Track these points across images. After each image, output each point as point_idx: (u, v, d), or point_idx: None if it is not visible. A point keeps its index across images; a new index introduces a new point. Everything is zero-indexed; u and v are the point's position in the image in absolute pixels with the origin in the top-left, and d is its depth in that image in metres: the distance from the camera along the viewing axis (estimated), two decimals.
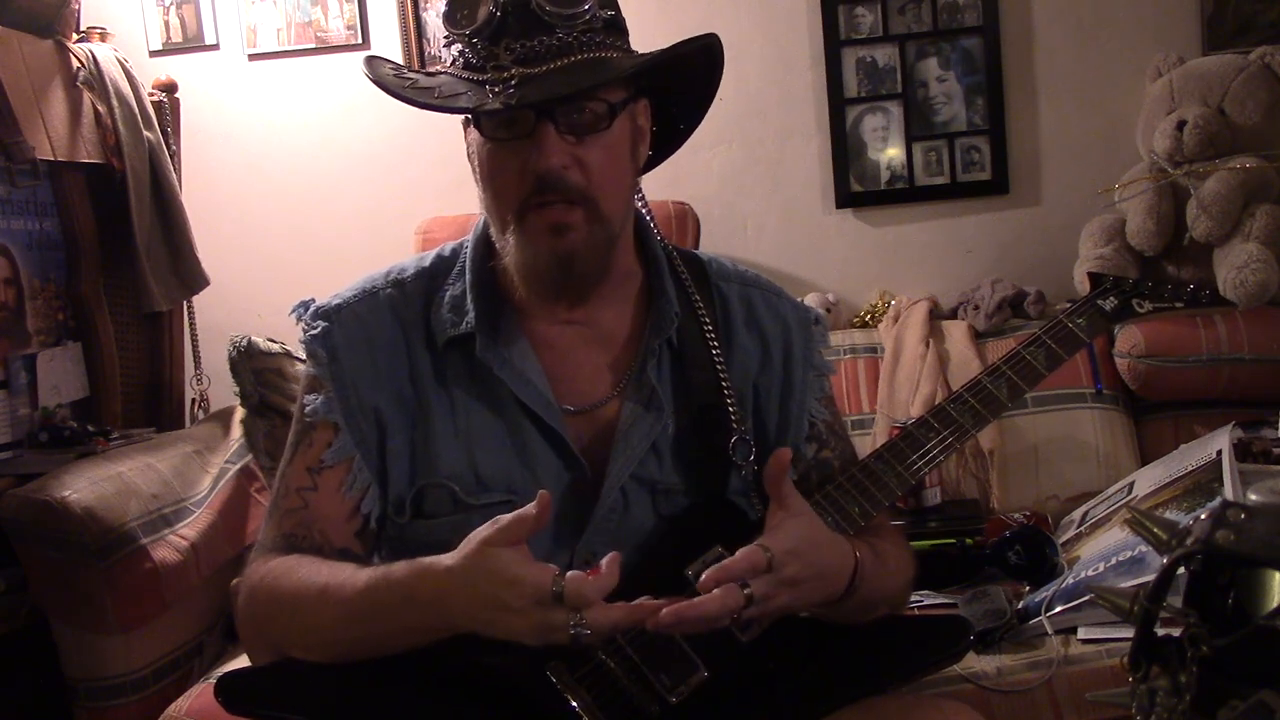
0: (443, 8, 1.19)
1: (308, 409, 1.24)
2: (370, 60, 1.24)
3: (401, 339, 1.25)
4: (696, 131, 1.36)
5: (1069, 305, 1.50)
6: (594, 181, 1.16)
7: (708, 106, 1.32)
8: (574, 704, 1.09)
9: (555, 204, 1.16)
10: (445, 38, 1.19)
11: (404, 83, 1.22)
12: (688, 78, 1.27)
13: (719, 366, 1.27)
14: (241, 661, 1.59)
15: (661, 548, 1.21)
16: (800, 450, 1.31)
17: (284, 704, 1.12)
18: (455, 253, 1.31)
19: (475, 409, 1.23)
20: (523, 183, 1.15)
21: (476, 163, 1.21)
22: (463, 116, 1.23)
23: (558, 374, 1.25)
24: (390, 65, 1.25)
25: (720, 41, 1.24)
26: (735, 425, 1.25)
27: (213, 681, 1.65)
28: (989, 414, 1.33)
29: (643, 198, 1.32)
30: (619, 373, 1.27)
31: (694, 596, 1.11)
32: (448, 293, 1.27)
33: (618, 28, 1.20)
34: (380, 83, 1.21)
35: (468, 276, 1.26)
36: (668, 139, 1.33)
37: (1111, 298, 1.48)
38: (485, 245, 1.28)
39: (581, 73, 1.13)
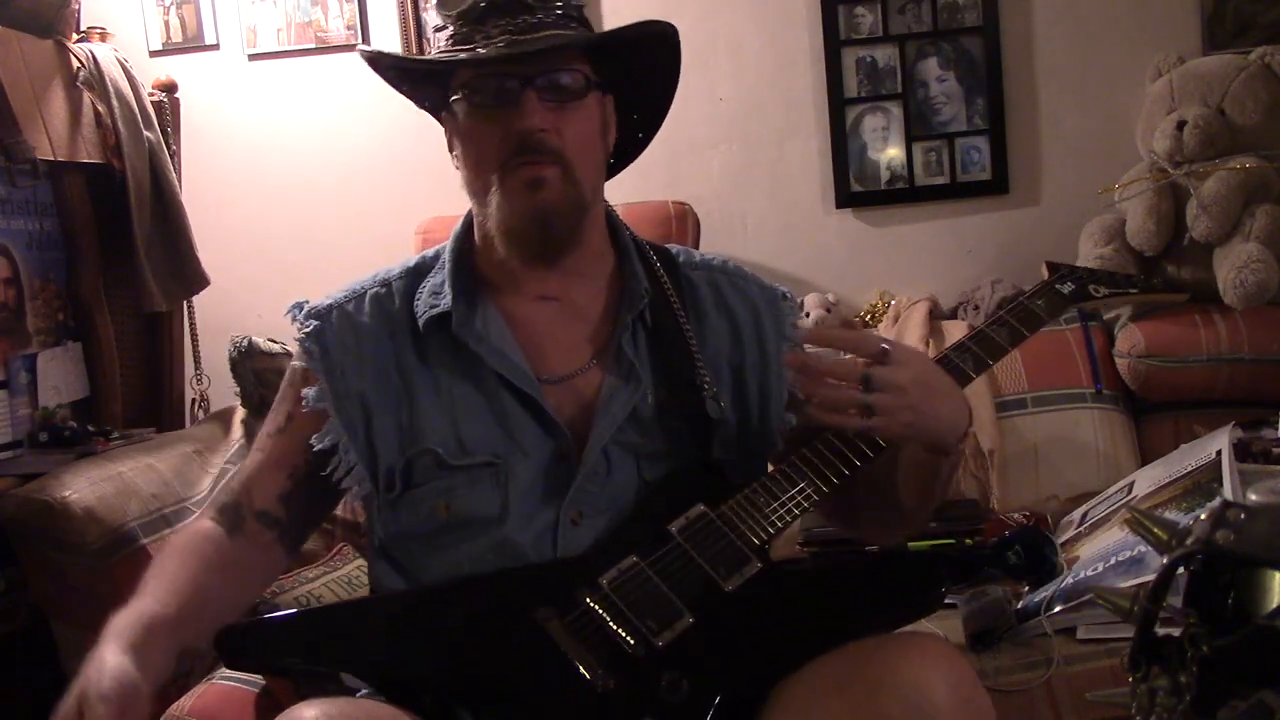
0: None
1: (304, 398, 1.31)
2: (364, 51, 1.34)
3: (386, 329, 1.33)
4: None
5: (1028, 289, 1.55)
6: (570, 146, 1.25)
7: (666, 110, 1.40)
8: (563, 648, 1.12)
9: (532, 162, 1.24)
10: (436, 26, 1.26)
11: (399, 59, 1.34)
12: (649, 74, 1.35)
13: (690, 342, 1.33)
14: None
15: (644, 509, 1.26)
16: (784, 421, 1.37)
17: (281, 652, 1.19)
18: (439, 253, 1.39)
19: (458, 384, 1.29)
20: (504, 146, 1.24)
21: (460, 139, 1.30)
22: (444, 111, 1.32)
23: (534, 347, 1.31)
24: (390, 56, 1.36)
25: (677, 33, 1.31)
26: (706, 390, 1.31)
27: (214, 682, 1.66)
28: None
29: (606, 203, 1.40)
30: (596, 345, 1.33)
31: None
32: (429, 283, 1.35)
33: (587, 23, 1.31)
34: (374, 61, 1.32)
35: (447, 264, 1.34)
36: (628, 148, 1.41)
37: (1069, 283, 1.55)
38: (465, 235, 1.36)
39: (565, 40, 1.25)
